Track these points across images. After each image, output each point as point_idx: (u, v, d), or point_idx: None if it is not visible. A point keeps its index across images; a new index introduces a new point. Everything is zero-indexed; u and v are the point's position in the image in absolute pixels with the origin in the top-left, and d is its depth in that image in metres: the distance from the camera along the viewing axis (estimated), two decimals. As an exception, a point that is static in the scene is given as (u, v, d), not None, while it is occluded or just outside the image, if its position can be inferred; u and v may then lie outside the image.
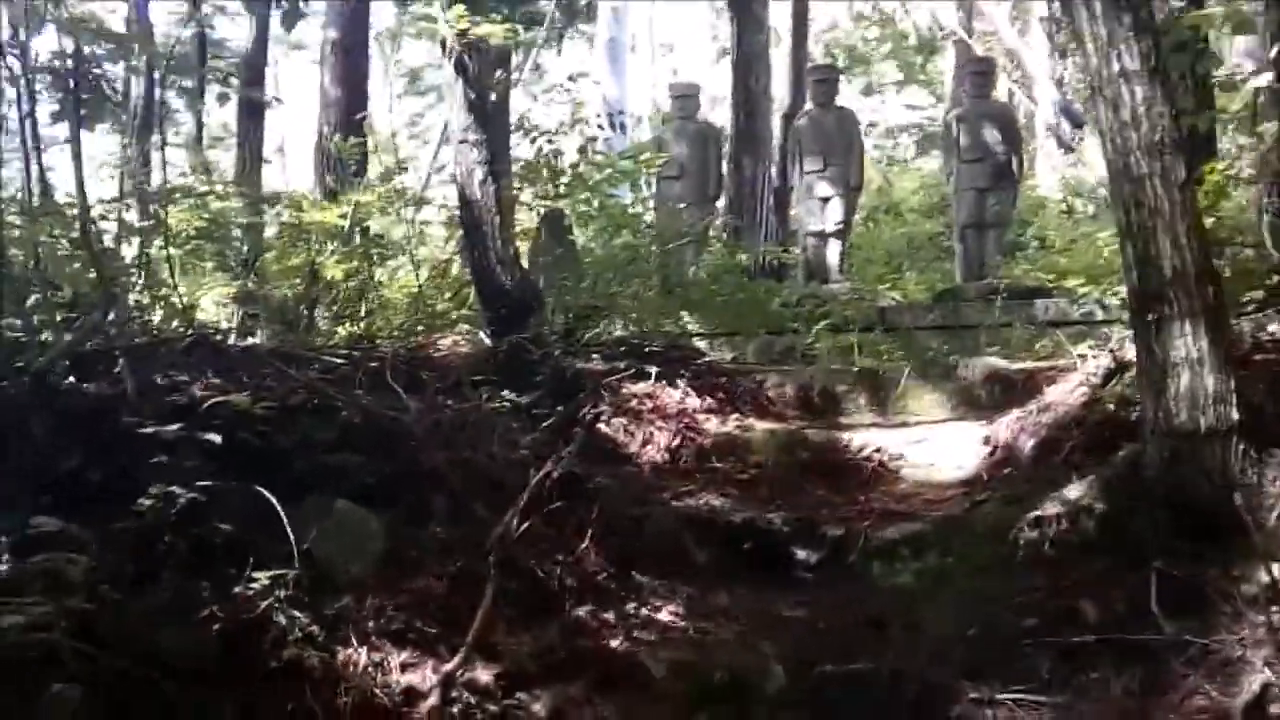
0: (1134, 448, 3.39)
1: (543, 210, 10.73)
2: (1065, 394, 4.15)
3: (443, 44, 5.34)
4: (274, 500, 2.95)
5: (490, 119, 5.50)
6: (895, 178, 14.74)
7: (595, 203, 13.74)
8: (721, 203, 10.48)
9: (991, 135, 8.91)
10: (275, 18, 10.78)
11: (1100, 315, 7.91)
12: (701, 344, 7.11)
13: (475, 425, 3.78)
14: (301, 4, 10.71)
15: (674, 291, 9.24)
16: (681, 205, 9.55)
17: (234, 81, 10.52)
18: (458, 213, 5.84)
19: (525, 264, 9.25)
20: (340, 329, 6.33)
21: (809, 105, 9.82)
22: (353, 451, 3.35)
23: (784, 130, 10.37)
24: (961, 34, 16.73)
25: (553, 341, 5.04)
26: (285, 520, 2.91)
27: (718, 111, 13.80)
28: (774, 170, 10.53)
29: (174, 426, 3.14)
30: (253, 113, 10.65)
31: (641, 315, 8.33)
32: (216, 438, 3.14)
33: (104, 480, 3.00)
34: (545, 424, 4.08)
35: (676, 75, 17.89)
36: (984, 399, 4.99)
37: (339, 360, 4.26)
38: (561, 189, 10.94)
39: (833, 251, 9.23)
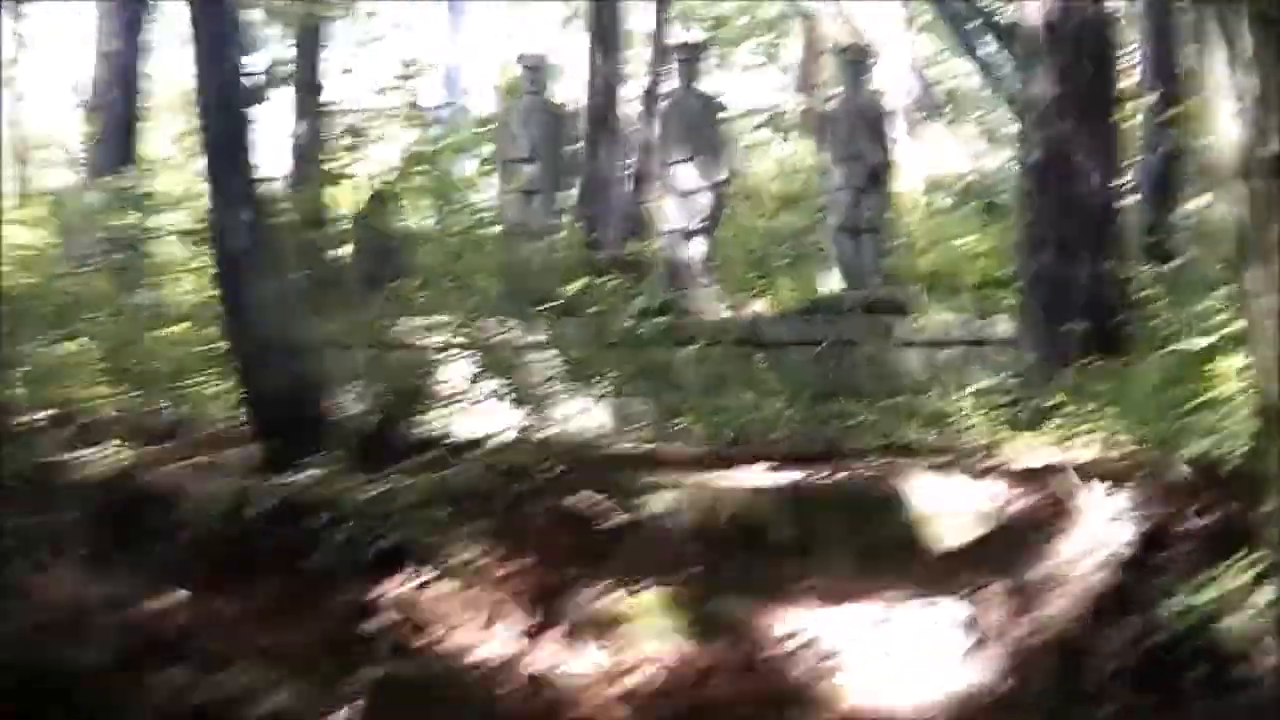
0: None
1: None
2: (1076, 556, 2.97)
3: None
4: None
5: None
6: (752, 161, 14.04)
7: (431, 177, 12.57)
8: (574, 190, 9.45)
9: (867, 131, 8.22)
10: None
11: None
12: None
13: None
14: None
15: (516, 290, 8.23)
16: (530, 192, 8.47)
17: None
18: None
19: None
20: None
21: (672, 85, 8.89)
22: None
23: (644, 112, 9.42)
24: (815, 10, 16.16)
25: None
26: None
27: (566, 85, 12.72)
28: (632, 156, 9.57)
29: None
30: None
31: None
32: None
33: None
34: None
35: (519, 40, 16.63)
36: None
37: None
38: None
39: (697, 251, 8.36)
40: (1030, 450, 4.08)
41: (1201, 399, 2.82)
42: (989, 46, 13.35)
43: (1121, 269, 6.00)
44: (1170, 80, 8.39)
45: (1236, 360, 2.89)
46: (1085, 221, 5.96)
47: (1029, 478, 3.48)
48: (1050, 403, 5.02)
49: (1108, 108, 6.08)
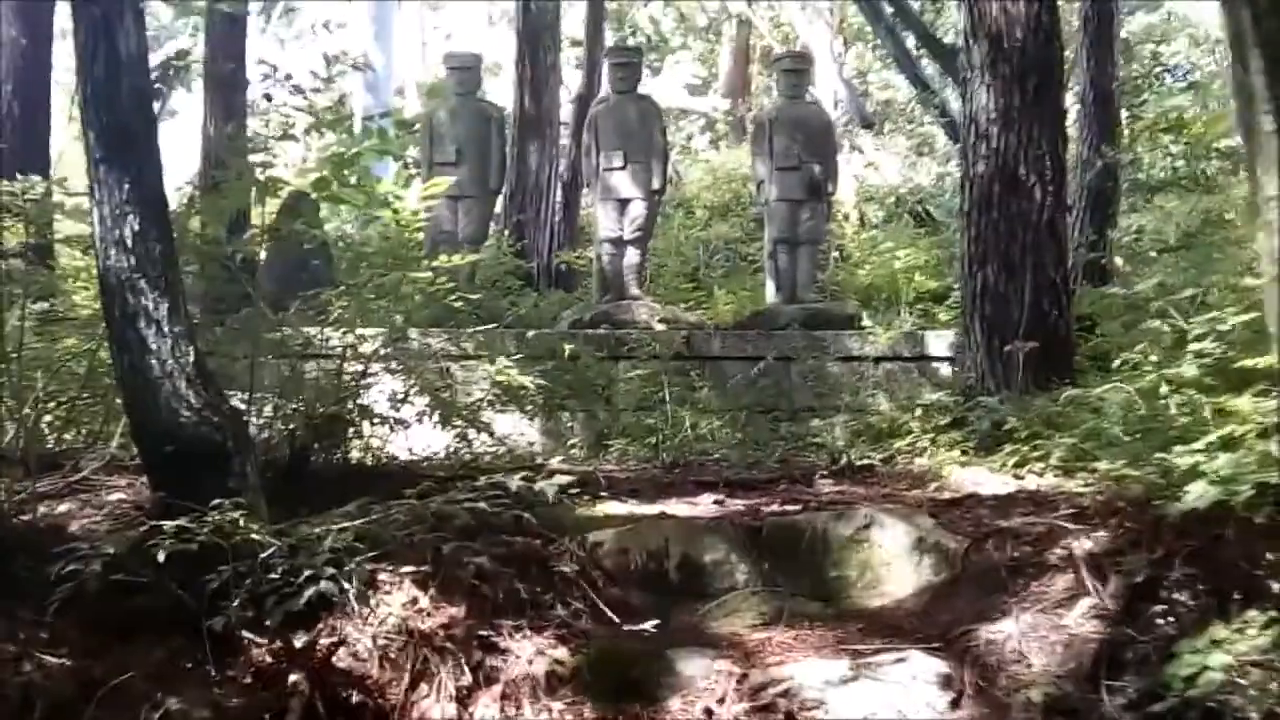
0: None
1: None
2: (1059, 602, 2.64)
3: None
4: None
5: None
6: (684, 170, 13.82)
7: (353, 180, 12.05)
8: (503, 196, 9.11)
9: (806, 142, 8.04)
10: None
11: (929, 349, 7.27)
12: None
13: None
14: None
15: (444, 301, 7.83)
16: (457, 198, 8.09)
17: None
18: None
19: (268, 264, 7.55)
20: None
21: (605, 91, 8.61)
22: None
23: (576, 117, 9.12)
24: (750, 16, 16.06)
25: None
26: None
27: (497, 87, 12.39)
28: (564, 162, 9.26)
29: None
30: None
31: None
32: None
33: None
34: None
35: (450, 39, 16.24)
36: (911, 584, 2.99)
37: None
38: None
39: (631, 261, 8.08)
40: (989, 477, 3.88)
41: (1209, 438, 2.60)
42: (918, 56, 13.39)
43: (1064, 288, 5.90)
44: (1107, 95, 8.41)
45: (1244, 400, 2.70)
46: (1029, 238, 5.84)
47: (998, 510, 3.25)
48: (1004, 425, 4.86)
49: (1054, 121, 5.97)
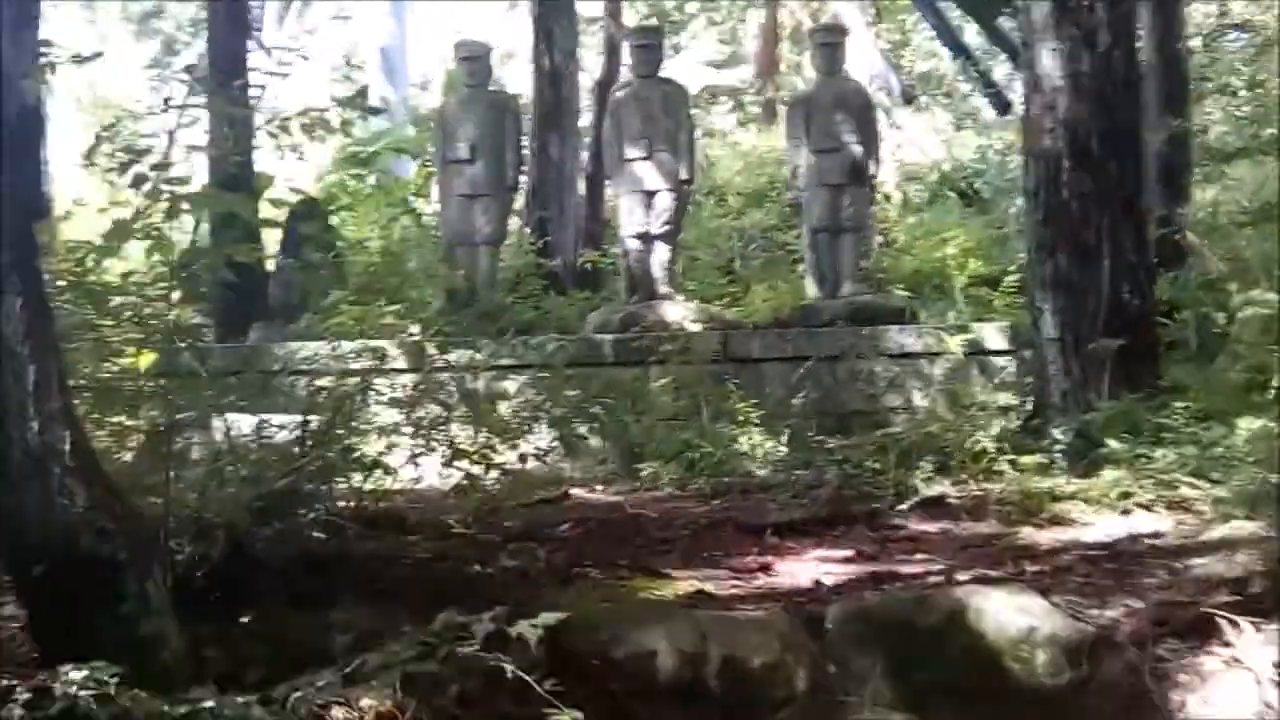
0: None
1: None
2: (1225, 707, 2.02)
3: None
4: None
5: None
6: (714, 154, 13.16)
7: (370, 179, 11.54)
8: (523, 192, 8.56)
9: (846, 121, 7.41)
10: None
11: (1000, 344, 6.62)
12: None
13: None
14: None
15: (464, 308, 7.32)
16: (473, 196, 7.56)
17: None
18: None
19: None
20: None
21: (628, 75, 8.04)
22: None
23: (598, 104, 8.53)
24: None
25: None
26: None
27: (513, 76, 11.85)
28: (586, 154, 8.68)
29: None
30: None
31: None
32: None
33: None
34: None
35: (460, 31, 15.69)
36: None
37: None
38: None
39: (659, 258, 7.51)
40: (1089, 512, 3.28)
41: None
42: (957, 26, 12.65)
43: (1145, 273, 5.27)
44: (1174, 60, 7.68)
45: None
46: (1105, 219, 5.20)
47: (1120, 575, 2.61)
48: (1092, 439, 4.25)
49: (1127, 85, 5.31)
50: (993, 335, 6.78)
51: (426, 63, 16.25)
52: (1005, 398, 5.82)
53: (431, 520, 3.36)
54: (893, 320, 6.96)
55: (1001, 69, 13.18)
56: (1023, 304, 7.89)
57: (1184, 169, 7.77)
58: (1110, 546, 2.88)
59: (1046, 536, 3.06)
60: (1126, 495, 3.26)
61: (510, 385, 6.44)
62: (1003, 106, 12.61)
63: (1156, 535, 2.91)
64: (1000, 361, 6.63)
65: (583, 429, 6.21)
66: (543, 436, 6.01)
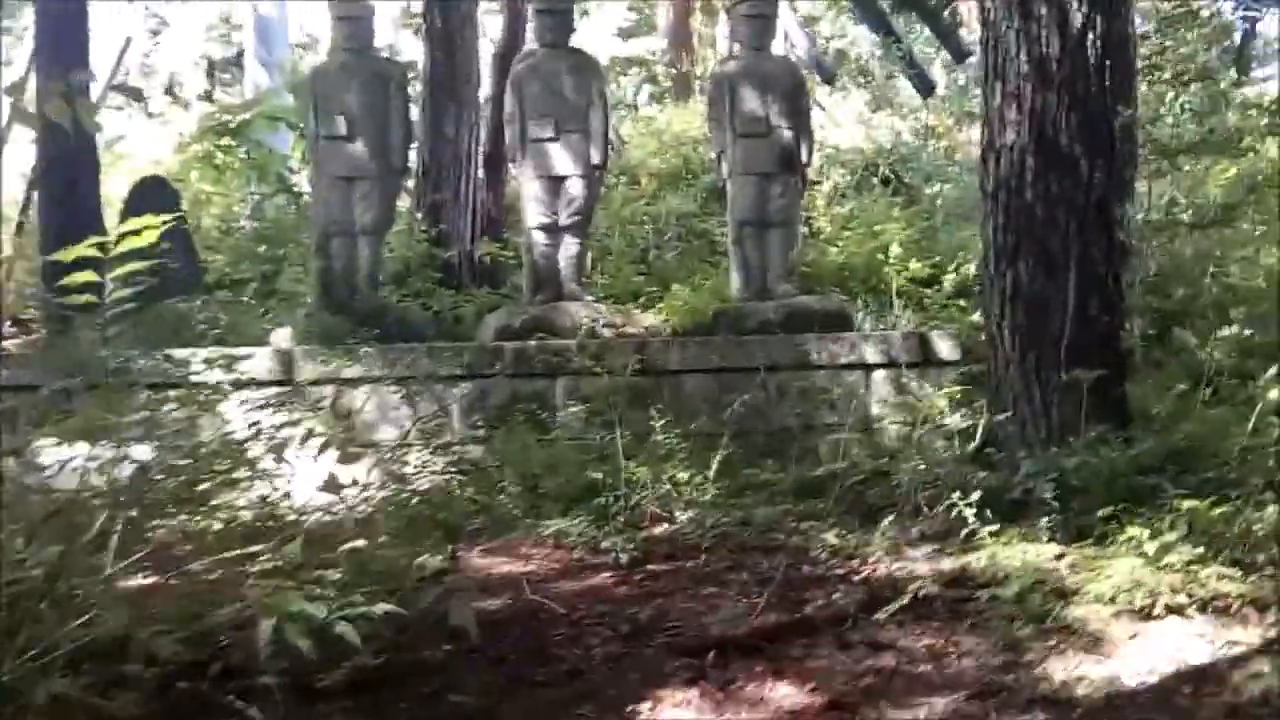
0: None
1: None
2: None
3: None
4: None
5: None
6: (625, 132, 12.31)
7: (242, 152, 10.35)
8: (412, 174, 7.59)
9: (776, 103, 6.66)
10: None
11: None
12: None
13: None
14: None
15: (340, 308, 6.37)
16: (351, 179, 6.59)
17: None
18: None
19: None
20: None
21: (532, 45, 7.14)
22: None
23: (497, 76, 7.60)
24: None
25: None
26: None
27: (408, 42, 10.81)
28: (485, 132, 7.75)
29: None
30: None
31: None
32: None
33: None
34: None
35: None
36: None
37: None
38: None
39: (568, 252, 6.68)
40: (1108, 619, 2.58)
41: None
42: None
43: (1116, 287, 4.67)
44: (1122, 40, 7.13)
45: None
46: (1074, 224, 4.58)
47: None
48: (1076, 491, 3.61)
49: (1102, 73, 4.68)
50: (939, 343, 6.17)
51: (313, 21, 14.97)
52: (957, 419, 5.18)
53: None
54: (831, 325, 6.28)
55: (921, 48, 12.66)
56: (964, 306, 7.37)
57: (1131, 164, 7.25)
58: (1156, 693, 2.18)
59: (1073, 667, 2.36)
60: (1152, 596, 2.59)
61: (392, 399, 5.59)
62: (927, 89, 12.07)
63: (1218, 672, 2.23)
64: (949, 373, 6.01)
65: (476, 451, 5.42)
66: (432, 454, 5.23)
